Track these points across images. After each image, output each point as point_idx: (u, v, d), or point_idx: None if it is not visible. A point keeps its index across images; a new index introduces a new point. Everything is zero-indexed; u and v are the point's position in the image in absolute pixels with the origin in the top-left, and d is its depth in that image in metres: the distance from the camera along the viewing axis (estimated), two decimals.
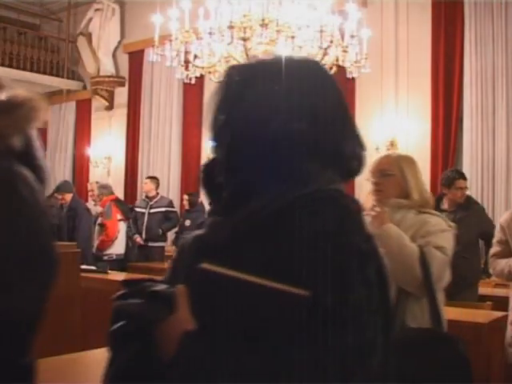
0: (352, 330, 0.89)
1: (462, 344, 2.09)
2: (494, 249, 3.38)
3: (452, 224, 2.51)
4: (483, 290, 4.87)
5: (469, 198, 4.89)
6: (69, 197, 6.99)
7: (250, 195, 0.99)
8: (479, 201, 5.77)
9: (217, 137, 1.06)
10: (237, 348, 0.89)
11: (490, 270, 3.42)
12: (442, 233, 2.41)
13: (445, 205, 4.79)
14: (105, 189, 7.38)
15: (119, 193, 8.95)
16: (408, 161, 2.57)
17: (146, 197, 7.94)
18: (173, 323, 0.92)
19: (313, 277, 0.90)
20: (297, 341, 0.88)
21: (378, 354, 0.92)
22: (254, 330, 0.89)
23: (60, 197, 7.05)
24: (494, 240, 3.42)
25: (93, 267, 5.73)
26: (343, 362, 0.88)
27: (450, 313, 3.62)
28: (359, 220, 0.99)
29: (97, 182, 8.03)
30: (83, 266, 4.76)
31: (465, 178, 4.82)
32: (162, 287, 0.97)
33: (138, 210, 7.87)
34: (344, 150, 1.04)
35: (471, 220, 4.59)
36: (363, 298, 0.92)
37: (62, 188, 7.10)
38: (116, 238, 7.00)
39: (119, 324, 0.94)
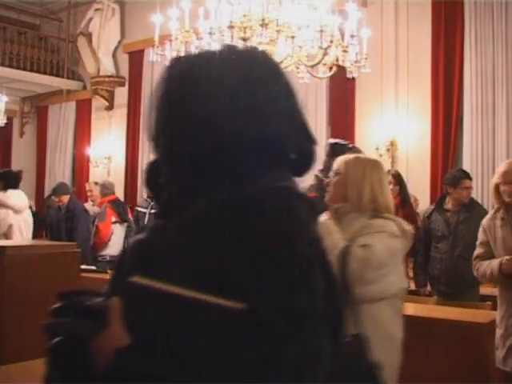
0: (294, 343, 0.83)
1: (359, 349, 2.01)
2: (477, 251, 3.38)
3: (407, 229, 2.39)
4: (483, 289, 4.86)
5: (472, 200, 4.89)
6: (66, 198, 6.98)
7: (189, 198, 0.94)
8: (479, 200, 5.76)
9: (156, 136, 1.00)
10: (170, 366, 0.83)
11: (474, 272, 3.41)
12: (376, 233, 2.28)
13: (448, 204, 4.79)
14: (106, 189, 7.35)
15: (119, 193, 8.94)
16: (361, 163, 2.46)
17: (148, 197, 7.93)
18: (105, 339, 0.87)
19: (249, 286, 0.83)
20: (234, 356, 0.81)
21: (324, 364, 0.87)
22: (188, 347, 0.83)
23: (57, 199, 7.05)
24: (477, 242, 3.42)
25: (93, 267, 5.73)
26: (285, 377, 0.82)
27: (451, 313, 3.63)
28: (304, 221, 0.92)
29: (95, 183, 8.00)
30: (83, 266, 4.76)
31: (470, 178, 4.85)
32: (95, 300, 0.92)
33: (139, 209, 7.86)
34: (290, 146, 0.99)
35: (473, 221, 4.60)
36: (306, 307, 0.85)
37: (58, 190, 7.09)
38: (109, 240, 6.96)
39: (53, 341, 0.90)
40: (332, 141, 3.37)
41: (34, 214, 7.00)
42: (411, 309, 3.77)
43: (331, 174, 2.50)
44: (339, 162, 2.49)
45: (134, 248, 0.99)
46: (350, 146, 3.34)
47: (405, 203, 4.92)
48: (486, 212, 4.93)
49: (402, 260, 2.38)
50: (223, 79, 0.96)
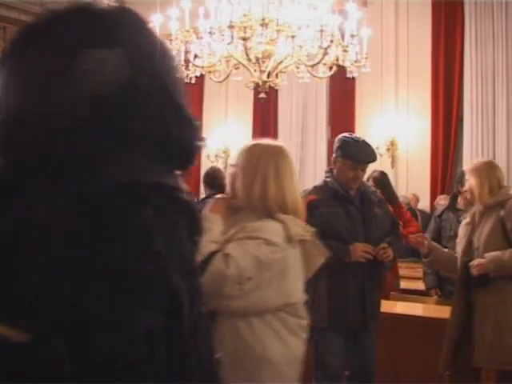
0: None
1: None
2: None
3: (296, 235, 2.01)
4: None
5: None
6: None
7: (14, 195, 0.73)
8: None
9: None
10: None
11: None
12: (247, 239, 1.93)
13: (460, 203, 4.74)
14: None
15: None
16: (256, 152, 2.07)
17: None
18: None
19: (41, 312, 0.64)
20: None
21: None
22: None
23: None
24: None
25: None
26: None
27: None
28: (147, 228, 0.70)
29: None
30: None
31: None
32: None
33: None
34: (162, 132, 0.78)
35: None
36: (119, 350, 0.65)
37: None
38: None
39: None
40: (340, 136, 3.25)
41: None
42: (412, 309, 3.78)
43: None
44: (241, 149, 2.13)
45: None
46: (356, 139, 3.19)
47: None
48: None
49: (291, 270, 2.01)
50: (65, 44, 0.76)
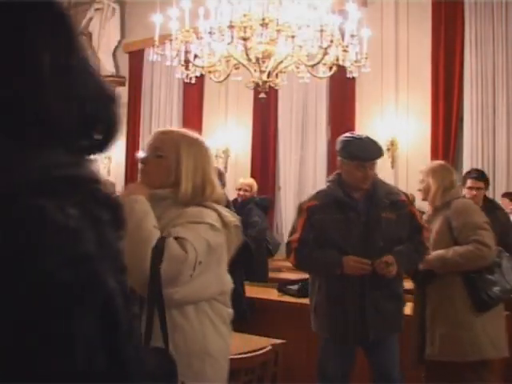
0: None
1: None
2: None
3: (229, 221, 1.99)
4: None
5: (491, 202, 4.67)
6: None
7: None
8: None
9: None
10: None
11: None
12: (193, 224, 1.89)
13: None
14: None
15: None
16: (192, 143, 2.07)
17: None
18: None
19: None
20: None
21: None
22: None
23: None
24: None
25: None
26: None
27: None
28: (67, 229, 0.61)
29: None
30: None
31: (476, 178, 4.56)
32: None
33: None
34: (83, 114, 0.68)
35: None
36: (55, 367, 0.59)
37: None
38: None
39: None
40: (341, 137, 3.08)
41: None
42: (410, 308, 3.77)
43: (149, 152, 2.05)
44: (162, 138, 2.07)
45: None
46: (358, 137, 3.02)
47: None
48: (506, 216, 4.69)
49: (224, 257, 2.01)
50: None
